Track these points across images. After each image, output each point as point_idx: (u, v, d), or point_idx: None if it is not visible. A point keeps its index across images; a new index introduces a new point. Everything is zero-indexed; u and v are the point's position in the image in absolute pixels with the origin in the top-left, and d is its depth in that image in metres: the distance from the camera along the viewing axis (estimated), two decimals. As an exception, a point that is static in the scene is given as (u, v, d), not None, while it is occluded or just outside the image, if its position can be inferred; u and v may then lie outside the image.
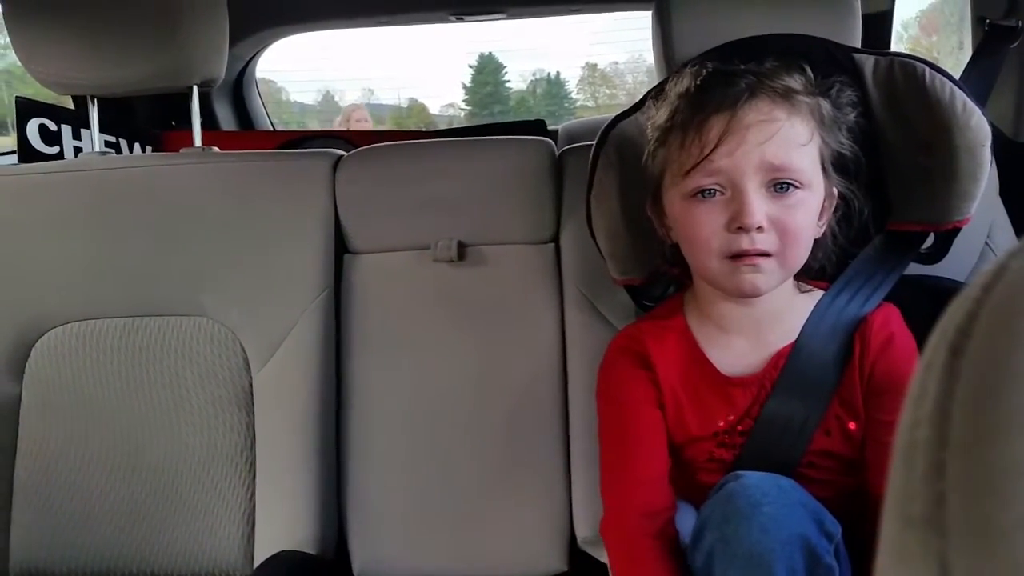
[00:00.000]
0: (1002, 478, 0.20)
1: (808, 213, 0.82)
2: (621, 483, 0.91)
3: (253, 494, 1.11)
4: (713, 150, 0.79)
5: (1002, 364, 0.21)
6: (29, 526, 1.14)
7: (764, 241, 0.79)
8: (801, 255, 0.83)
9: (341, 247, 1.20)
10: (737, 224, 0.79)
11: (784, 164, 0.79)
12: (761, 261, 0.80)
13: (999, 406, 0.21)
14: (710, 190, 0.80)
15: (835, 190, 0.86)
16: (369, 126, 3.43)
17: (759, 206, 0.78)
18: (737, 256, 0.80)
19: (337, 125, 3.50)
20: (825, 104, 0.84)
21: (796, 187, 0.80)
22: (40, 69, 1.17)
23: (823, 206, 0.85)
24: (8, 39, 1.18)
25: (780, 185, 0.79)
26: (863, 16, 1.06)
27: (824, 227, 0.87)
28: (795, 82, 0.82)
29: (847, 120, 0.87)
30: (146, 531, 1.12)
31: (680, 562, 0.83)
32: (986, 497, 0.20)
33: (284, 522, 1.10)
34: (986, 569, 0.19)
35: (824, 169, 0.84)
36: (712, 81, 0.83)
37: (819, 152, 0.83)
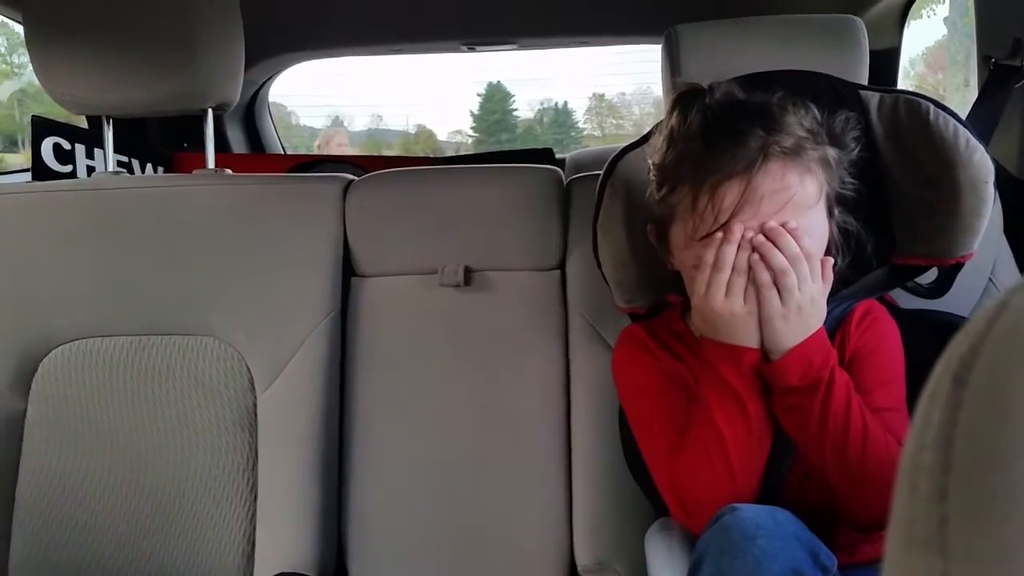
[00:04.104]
0: (1003, 500, 0.20)
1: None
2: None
3: (254, 515, 1.11)
4: (728, 219, 0.79)
5: (1004, 393, 0.22)
6: (30, 542, 1.13)
7: None
8: None
9: (348, 270, 1.21)
10: None
11: (796, 230, 0.79)
12: None
13: (1001, 433, 0.21)
14: None
15: (835, 228, 0.87)
16: (345, 149, 3.42)
17: None
18: None
19: (316, 149, 3.50)
20: (832, 152, 0.84)
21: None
22: (58, 89, 1.19)
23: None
24: (26, 58, 1.20)
25: None
26: (871, 52, 1.07)
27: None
28: (802, 129, 0.82)
29: (851, 156, 0.87)
30: (146, 549, 1.12)
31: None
32: (987, 518, 0.20)
33: (284, 543, 1.09)
34: None
35: (830, 212, 0.85)
36: (722, 138, 0.81)
37: (826, 199, 0.84)
